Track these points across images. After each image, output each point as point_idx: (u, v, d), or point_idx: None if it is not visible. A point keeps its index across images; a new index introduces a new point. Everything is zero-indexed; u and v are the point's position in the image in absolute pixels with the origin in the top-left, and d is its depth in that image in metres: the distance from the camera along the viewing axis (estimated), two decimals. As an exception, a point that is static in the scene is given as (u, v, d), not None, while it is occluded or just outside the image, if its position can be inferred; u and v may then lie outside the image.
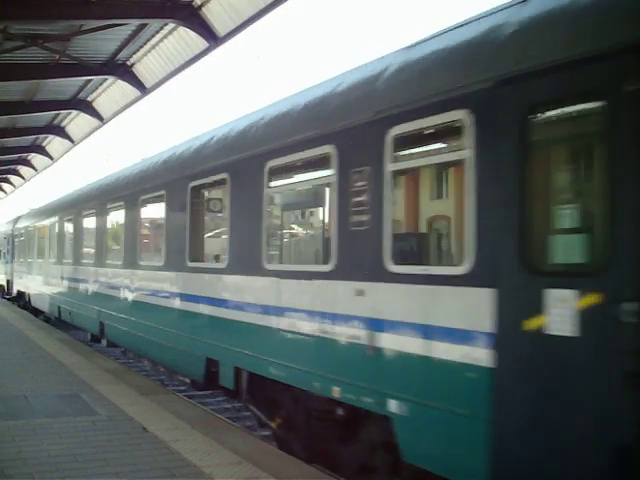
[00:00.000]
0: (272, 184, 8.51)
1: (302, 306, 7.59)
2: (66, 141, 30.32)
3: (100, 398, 9.87)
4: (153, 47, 18.53)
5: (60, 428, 8.15)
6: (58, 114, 27.14)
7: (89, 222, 17.42)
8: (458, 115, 5.48)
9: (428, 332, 5.73)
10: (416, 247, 6.76)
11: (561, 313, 4.58)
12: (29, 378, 11.41)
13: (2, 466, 6.64)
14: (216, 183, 10.22)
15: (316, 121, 7.61)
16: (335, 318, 6.98)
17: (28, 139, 32.14)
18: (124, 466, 6.75)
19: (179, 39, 17.38)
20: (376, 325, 6.35)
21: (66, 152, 32.62)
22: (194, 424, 8.44)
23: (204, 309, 10.17)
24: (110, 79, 21.57)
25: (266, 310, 8.35)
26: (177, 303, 11.27)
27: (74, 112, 26.03)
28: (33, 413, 8.93)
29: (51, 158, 34.93)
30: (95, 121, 25.58)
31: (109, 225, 15.94)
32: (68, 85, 22.58)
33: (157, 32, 17.50)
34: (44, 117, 27.37)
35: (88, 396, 9.98)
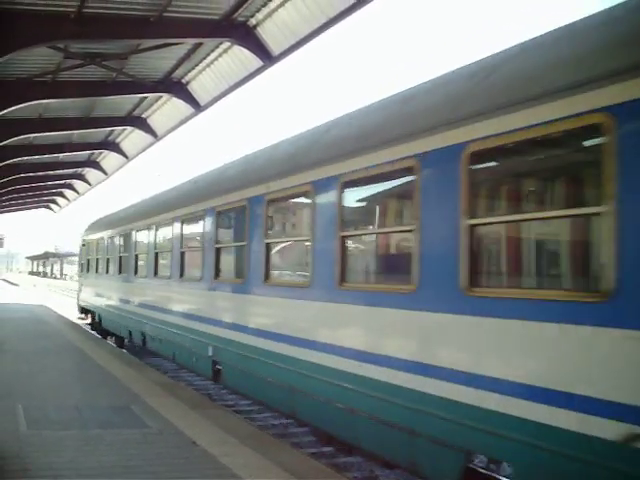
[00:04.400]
0: None
1: None
2: (120, 157, 30.94)
3: (150, 411, 9.95)
4: (208, 65, 18.82)
5: (111, 440, 8.23)
6: (113, 130, 27.74)
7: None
8: None
9: None
10: None
11: None
12: (81, 389, 11.58)
13: (55, 475, 6.74)
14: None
15: None
16: None
17: (84, 154, 32.90)
18: (174, 479, 6.79)
19: (234, 57, 17.63)
20: None
21: (120, 167, 33.26)
22: (243, 439, 8.43)
23: None
24: (165, 96, 21.96)
25: None
26: None
27: (129, 128, 26.57)
28: (85, 424, 9.05)
29: (105, 173, 35.66)
30: (149, 137, 26.04)
31: None
32: (124, 102, 23.08)
33: (212, 51, 17.79)
34: (100, 133, 28.02)
35: (139, 408, 10.07)
